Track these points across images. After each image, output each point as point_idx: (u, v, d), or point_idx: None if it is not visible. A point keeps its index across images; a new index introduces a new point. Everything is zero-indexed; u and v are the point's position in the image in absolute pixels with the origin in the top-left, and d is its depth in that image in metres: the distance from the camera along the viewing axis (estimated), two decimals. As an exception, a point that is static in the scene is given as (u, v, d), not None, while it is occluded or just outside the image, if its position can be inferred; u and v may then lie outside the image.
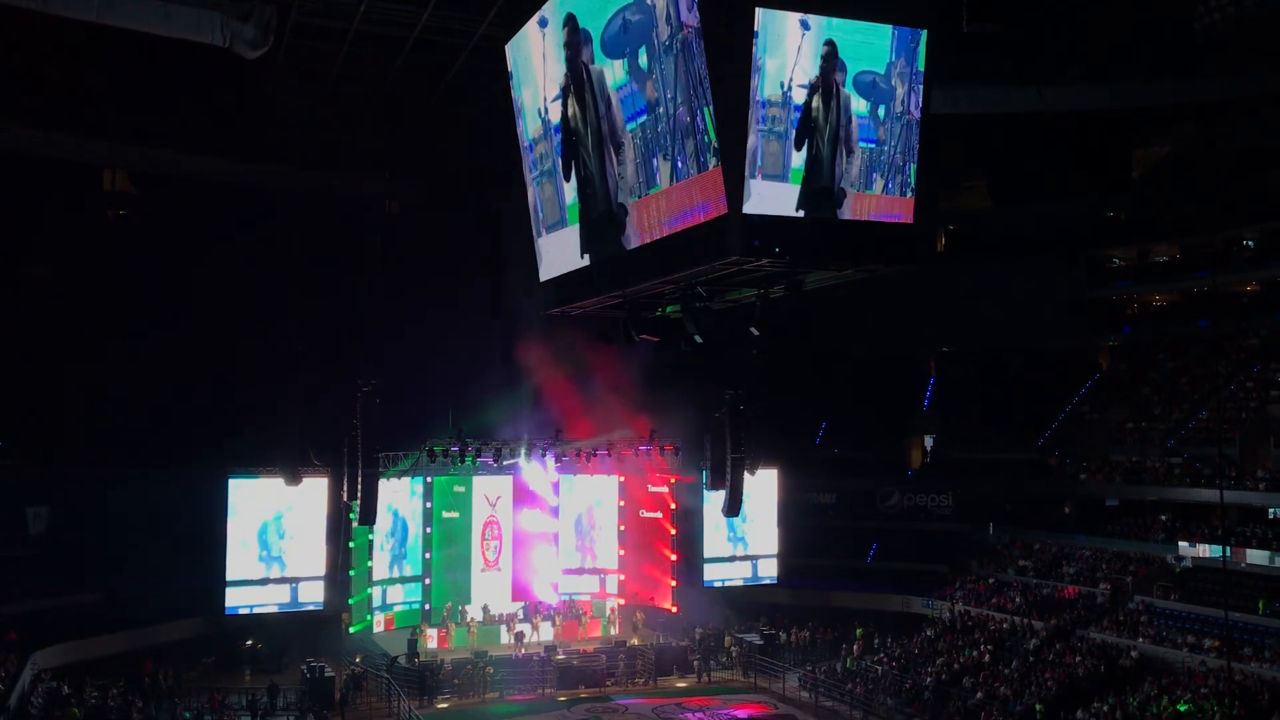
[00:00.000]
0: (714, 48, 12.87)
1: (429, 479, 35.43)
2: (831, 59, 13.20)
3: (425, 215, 39.49)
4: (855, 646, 35.25)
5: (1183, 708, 25.93)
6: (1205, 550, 33.14)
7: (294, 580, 32.84)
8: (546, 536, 37.44)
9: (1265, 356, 38.08)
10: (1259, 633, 29.06)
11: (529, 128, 18.27)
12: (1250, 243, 39.90)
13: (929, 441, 45.68)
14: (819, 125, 13.41)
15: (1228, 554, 31.60)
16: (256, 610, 32.56)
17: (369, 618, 33.24)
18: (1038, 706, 27.92)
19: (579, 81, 15.69)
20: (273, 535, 32.62)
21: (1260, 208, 37.72)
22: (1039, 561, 37.52)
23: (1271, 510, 33.31)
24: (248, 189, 35.98)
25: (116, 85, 30.95)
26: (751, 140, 12.96)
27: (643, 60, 14.13)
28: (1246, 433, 35.44)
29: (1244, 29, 24.37)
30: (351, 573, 32.58)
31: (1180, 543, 33.98)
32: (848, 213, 13.88)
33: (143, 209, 39.08)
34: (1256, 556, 31.69)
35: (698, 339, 16.39)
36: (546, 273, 18.76)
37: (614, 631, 35.87)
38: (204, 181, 35.63)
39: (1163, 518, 35.66)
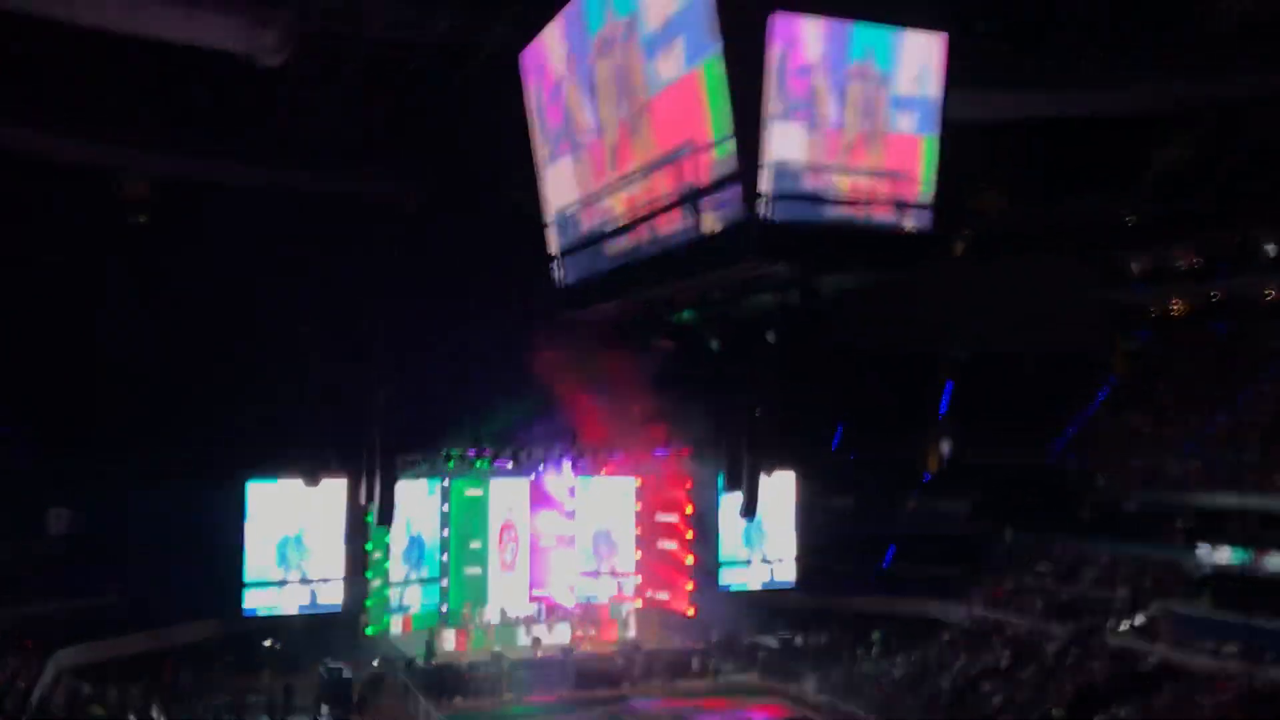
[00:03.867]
0: (732, 50, 12.85)
1: (446, 482, 35.52)
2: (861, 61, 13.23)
3: (441, 217, 39.53)
4: (873, 650, 35.15)
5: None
6: (1226, 555, 32.89)
7: (312, 582, 33.00)
8: (563, 539, 37.47)
9: (1285, 359, 37.76)
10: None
11: (542, 123, 18.33)
12: (1271, 247, 39.50)
13: (946, 445, 45.43)
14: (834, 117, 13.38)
15: (1249, 559, 31.36)
16: (275, 612, 32.73)
17: (386, 619, 33.34)
18: (1056, 712, 27.78)
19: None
20: (292, 551, 32.74)
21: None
22: (1058, 566, 37.30)
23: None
24: (263, 192, 36.09)
25: (134, 92, 31.06)
26: (769, 136, 12.89)
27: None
28: (1265, 436, 35.16)
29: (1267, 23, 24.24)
30: (369, 574, 32.71)
31: (1200, 547, 33.74)
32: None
33: (160, 215, 39.20)
34: (1278, 561, 31.42)
35: (714, 344, 16.40)
36: (562, 275, 18.77)
37: (631, 634, 35.85)
38: (219, 186, 35.76)
39: (1181, 523, 35.39)
